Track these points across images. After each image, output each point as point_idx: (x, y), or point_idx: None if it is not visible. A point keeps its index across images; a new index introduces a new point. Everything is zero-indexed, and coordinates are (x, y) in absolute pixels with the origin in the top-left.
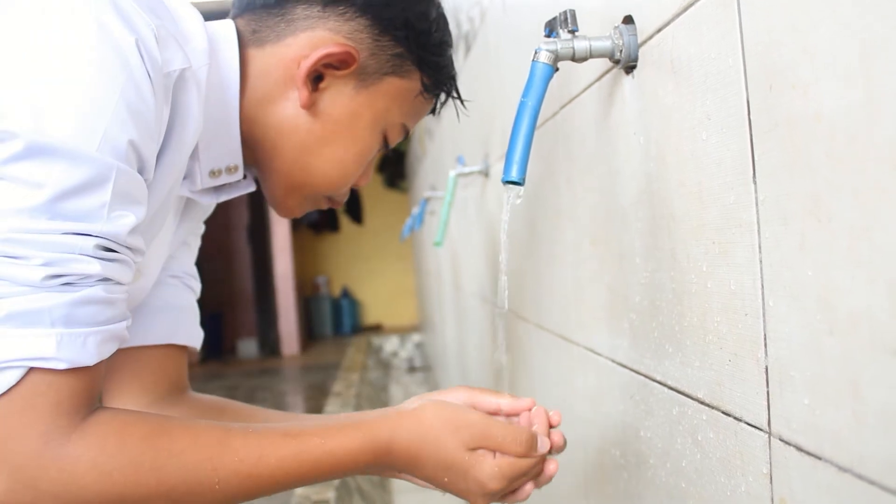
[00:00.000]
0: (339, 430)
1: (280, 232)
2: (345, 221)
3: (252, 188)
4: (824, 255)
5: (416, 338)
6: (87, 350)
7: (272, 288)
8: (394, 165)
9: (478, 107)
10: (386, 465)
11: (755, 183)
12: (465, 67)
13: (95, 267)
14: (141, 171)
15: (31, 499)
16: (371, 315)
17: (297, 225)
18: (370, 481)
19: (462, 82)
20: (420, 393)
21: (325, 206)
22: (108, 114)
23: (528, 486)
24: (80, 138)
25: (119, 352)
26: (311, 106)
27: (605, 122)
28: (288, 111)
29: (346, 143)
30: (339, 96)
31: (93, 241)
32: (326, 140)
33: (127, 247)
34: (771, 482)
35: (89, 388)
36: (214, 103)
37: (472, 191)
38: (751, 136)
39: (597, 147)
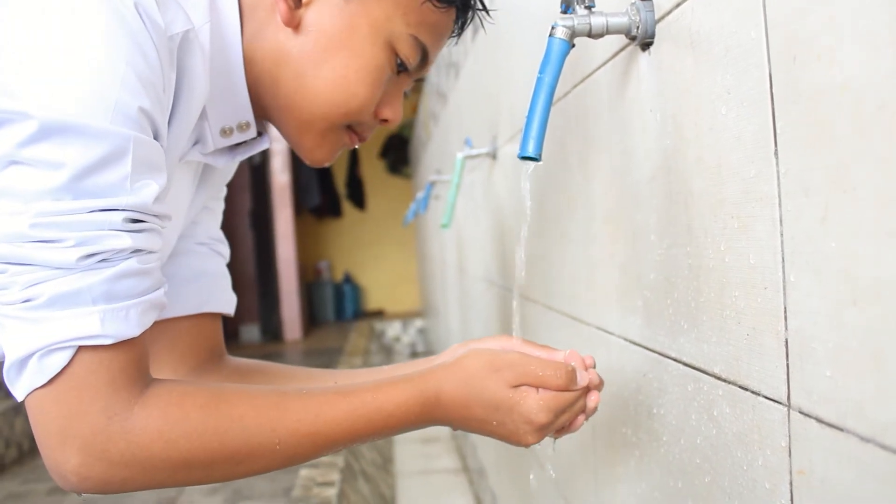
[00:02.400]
0: (390, 385)
1: (282, 217)
2: (347, 207)
3: (267, 145)
4: (848, 226)
5: (418, 323)
6: (131, 322)
7: (274, 273)
8: (397, 151)
9: (485, 88)
10: (436, 416)
11: (777, 156)
12: (473, 49)
13: (126, 240)
14: (155, 138)
15: (103, 469)
16: (373, 301)
17: (299, 210)
18: (374, 464)
19: (469, 63)
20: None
21: (350, 143)
22: (117, 84)
23: (580, 418)
24: (93, 113)
25: (154, 325)
26: (296, 24)
27: (620, 100)
28: (279, 36)
29: (345, 58)
30: (326, 8)
31: (120, 215)
32: (322, 59)
33: (153, 215)
34: (789, 455)
35: (138, 360)
36: (218, 59)
37: (479, 174)
38: (773, 108)
39: (610, 125)
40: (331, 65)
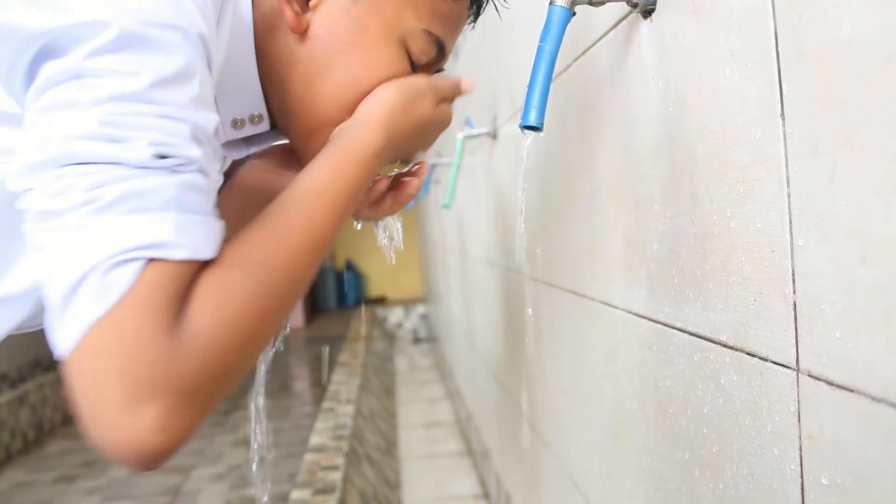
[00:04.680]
0: (323, 164)
1: None
2: None
3: (284, 139)
4: (857, 185)
5: (420, 309)
6: (203, 239)
7: None
8: None
9: (485, 68)
10: (385, 157)
11: (783, 117)
12: (472, 29)
13: (197, 151)
14: (210, 73)
15: (189, 386)
16: (375, 288)
17: None
18: (379, 449)
19: (469, 42)
20: (425, 364)
21: None
22: (188, 8)
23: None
24: (168, 29)
25: None
26: (303, 29)
27: (621, 70)
28: (288, 41)
29: (356, 60)
30: (334, 11)
31: (188, 128)
32: (332, 62)
33: (213, 145)
34: (799, 420)
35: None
36: (232, 40)
37: (480, 157)
38: (778, 69)
39: (612, 96)
40: (342, 67)
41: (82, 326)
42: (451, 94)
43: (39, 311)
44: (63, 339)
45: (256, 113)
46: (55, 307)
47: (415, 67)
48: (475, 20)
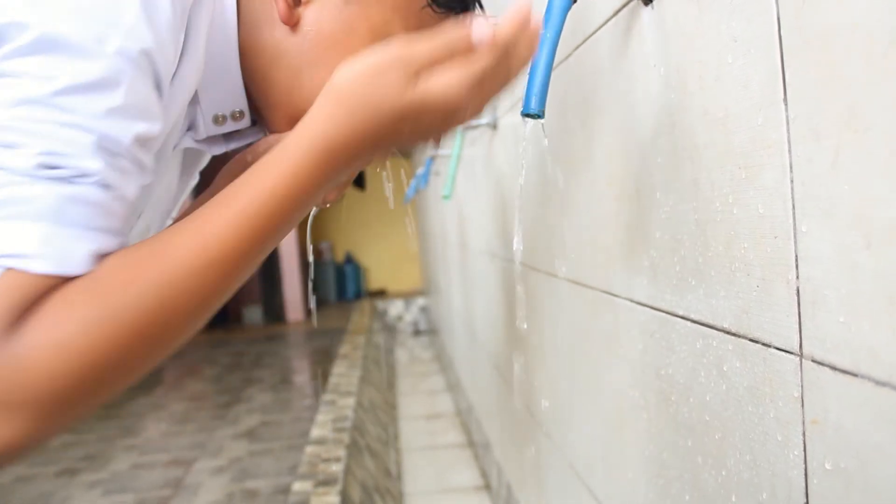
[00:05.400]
0: (265, 168)
1: None
2: None
3: (262, 136)
4: (860, 168)
5: (420, 301)
6: (75, 255)
7: (276, 254)
8: None
9: None
10: (341, 166)
11: (786, 102)
12: None
13: (97, 164)
14: (156, 88)
15: (9, 399)
16: (375, 280)
17: None
18: (380, 440)
19: None
20: (426, 356)
21: None
22: (128, 18)
23: (514, 62)
24: (96, 36)
25: None
26: (294, 23)
27: (622, 58)
28: (276, 34)
29: (341, 60)
30: (326, 8)
31: (93, 139)
32: (319, 59)
33: (132, 157)
34: (802, 405)
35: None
36: (215, 38)
37: (479, 149)
38: (781, 53)
39: (613, 84)
40: (328, 65)
41: None
42: (437, 57)
43: None
44: None
45: (238, 109)
46: None
47: None
48: None
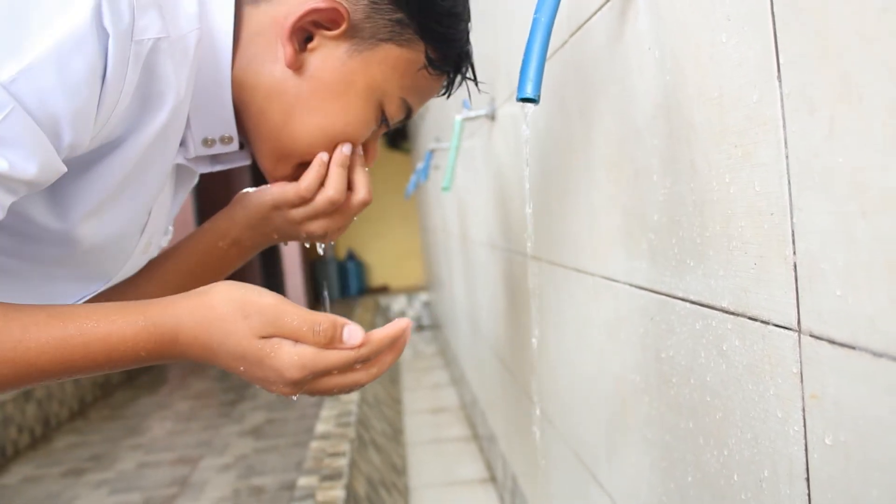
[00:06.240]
0: (117, 313)
1: None
2: None
3: (248, 161)
4: (855, 138)
5: (423, 297)
6: None
7: (278, 253)
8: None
9: (482, 50)
10: (174, 354)
11: (779, 77)
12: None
13: None
14: (56, 134)
15: None
16: (377, 277)
17: None
18: (384, 435)
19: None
20: (429, 351)
21: None
22: (36, 54)
23: (336, 380)
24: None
25: None
26: (298, 67)
27: (617, 42)
28: (276, 73)
29: (336, 110)
30: (330, 59)
31: None
32: (315, 105)
33: None
34: (801, 381)
35: None
36: (204, 69)
37: (478, 140)
38: (774, 28)
39: (609, 69)
40: (322, 112)
41: None
42: (299, 332)
43: None
44: None
45: (227, 134)
46: None
47: (387, 123)
48: (447, 96)
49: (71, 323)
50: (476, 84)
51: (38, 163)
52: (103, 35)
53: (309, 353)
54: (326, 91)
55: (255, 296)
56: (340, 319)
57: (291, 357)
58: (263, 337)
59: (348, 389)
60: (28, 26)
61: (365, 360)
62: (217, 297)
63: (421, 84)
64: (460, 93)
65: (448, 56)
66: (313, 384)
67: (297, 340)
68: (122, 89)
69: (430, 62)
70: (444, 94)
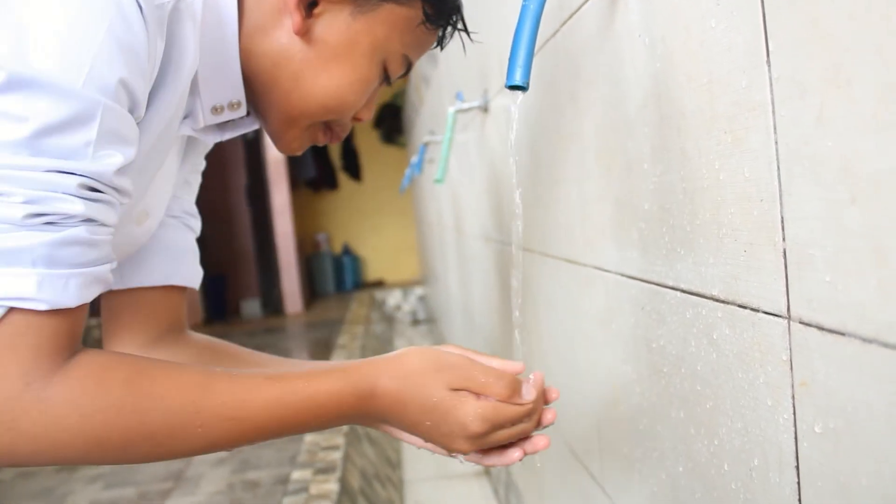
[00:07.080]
0: (324, 373)
1: (279, 191)
2: (343, 179)
3: (256, 126)
4: (845, 123)
5: (418, 291)
6: (69, 292)
7: (273, 247)
8: (391, 120)
9: (475, 43)
10: (370, 410)
11: (769, 63)
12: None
13: (79, 207)
14: (132, 110)
15: (9, 440)
16: (373, 271)
17: (295, 184)
18: None
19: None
20: (425, 345)
21: (323, 140)
22: (94, 48)
23: (515, 453)
24: (65, 73)
25: (118, 293)
26: (304, 32)
27: (608, 31)
28: (282, 40)
29: (344, 70)
30: (335, 22)
31: (76, 180)
32: (322, 67)
33: (113, 187)
34: (791, 368)
35: (70, 331)
36: (212, 36)
37: (472, 133)
38: (763, 13)
39: (599, 58)
40: (329, 74)
41: None
42: (485, 386)
43: None
44: None
45: (236, 100)
46: None
47: (388, 80)
48: (441, 48)
49: (285, 384)
50: (468, 34)
51: (135, 144)
52: (136, 8)
53: (490, 406)
54: (333, 54)
55: (446, 354)
56: (519, 376)
57: (476, 410)
58: (453, 389)
59: (515, 439)
60: (85, 28)
61: (532, 413)
62: (413, 355)
63: (420, 39)
64: (454, 85)
65: (443, 11)
66: (490, 437)
67: (482, 393)
68: (158, 56)
69: (427, 18)
70: (436, 46)
